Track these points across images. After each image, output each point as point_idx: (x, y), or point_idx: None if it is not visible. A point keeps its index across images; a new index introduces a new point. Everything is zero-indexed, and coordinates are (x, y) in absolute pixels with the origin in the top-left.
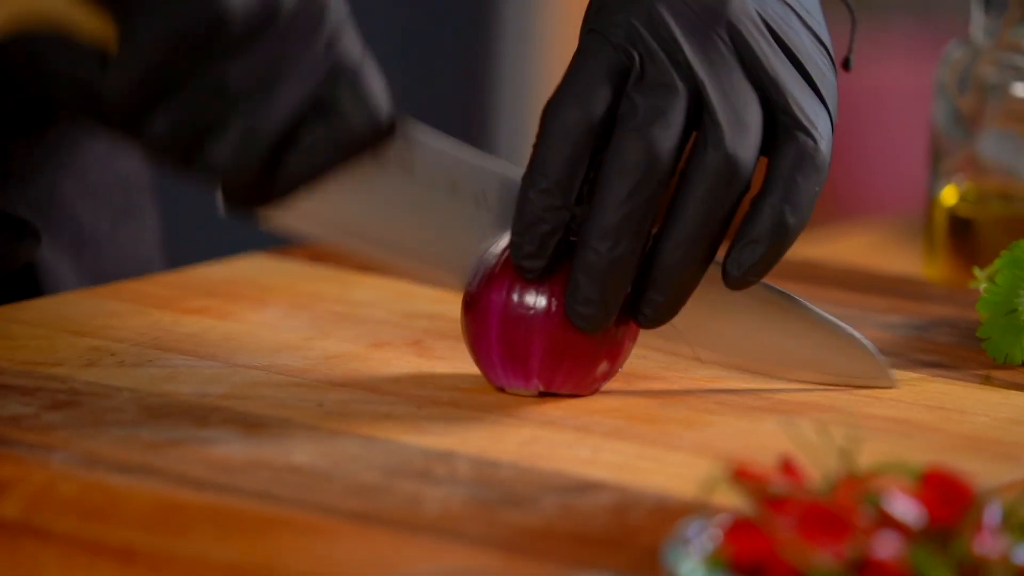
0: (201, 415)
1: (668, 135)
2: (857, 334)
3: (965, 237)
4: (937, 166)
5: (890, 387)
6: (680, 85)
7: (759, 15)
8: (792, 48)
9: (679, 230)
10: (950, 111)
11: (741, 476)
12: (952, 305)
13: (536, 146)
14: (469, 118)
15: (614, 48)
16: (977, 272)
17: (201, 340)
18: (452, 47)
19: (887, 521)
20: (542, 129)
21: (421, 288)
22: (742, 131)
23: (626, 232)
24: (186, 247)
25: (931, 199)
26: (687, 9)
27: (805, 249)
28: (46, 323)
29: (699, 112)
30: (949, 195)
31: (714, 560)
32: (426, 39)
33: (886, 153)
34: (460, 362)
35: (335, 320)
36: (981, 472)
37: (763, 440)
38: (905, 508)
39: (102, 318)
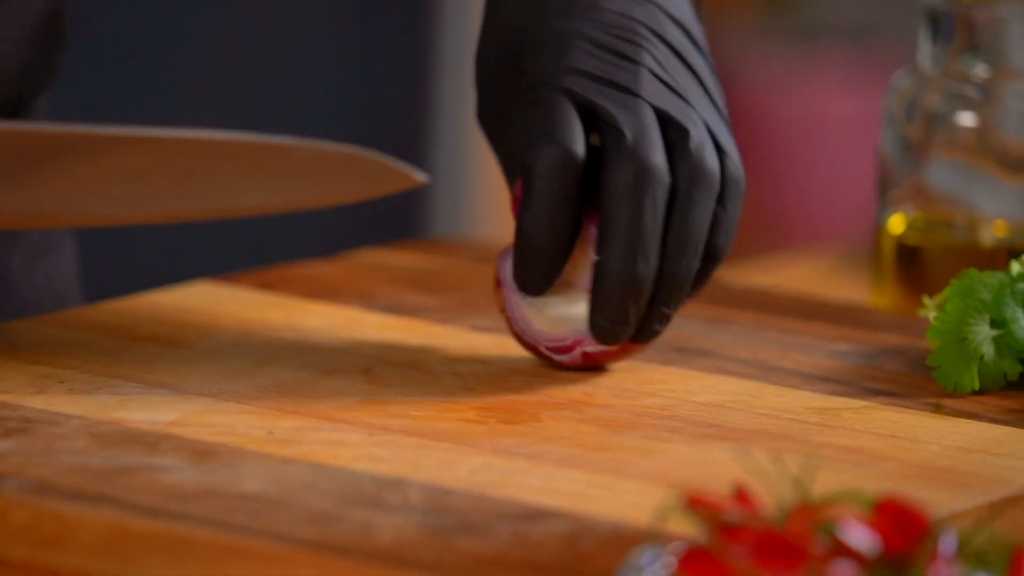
0: (152, 442)
1: (658, 152)
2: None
3: (913, 265)
4: (884, 195)
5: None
6: (647, 107)
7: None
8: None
9: (685, 242)
10: (897, 140)
11: (695, 504)
12: (902, 333)
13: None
14: (409, 133)
15: (569, 95)
16: (927, 301)
17: (151, 367)
18: (393, 62)
19: (842, 550)
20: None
21: (370, 315)
22: (712, 148)
23: (649, 248)
24: (103, 281)
25: (879, 227)
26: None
27: (753, 277)
28: None
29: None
30: (897, 224)
31: None
32: (367, 58)
33: (830, 180)
34: (411, 389)
35: (284, 347)
36: (933, 501)
37: (715, 468)
38: (860, 537)
39: (50, 345)
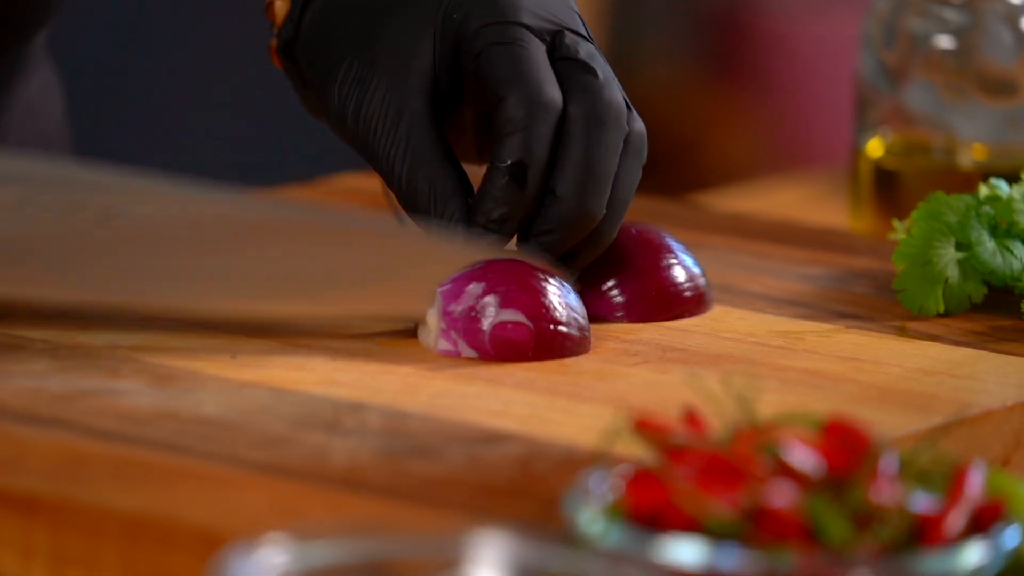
0: (112, 366)
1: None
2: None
3: (890, 189)
4: (863, 118)
5: None
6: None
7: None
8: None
9: (627, 186)
10: (875, 62)
11: (643, 427)
12: (874, 257)
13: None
14: None
15: (533, 32)
16: (896, 224)
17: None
18: None
19: (785, 470)
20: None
21: None
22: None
23: (605, 185)
24: None
25: (857, 151)
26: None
27: (739, 203)
28: None
29: None
30: (875, 147)
31: (613, 510)
32: None
33: (823, 105)
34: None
35: None
36: (888, 422)
37: (674, 392)
38: (803, 457)
39: None
